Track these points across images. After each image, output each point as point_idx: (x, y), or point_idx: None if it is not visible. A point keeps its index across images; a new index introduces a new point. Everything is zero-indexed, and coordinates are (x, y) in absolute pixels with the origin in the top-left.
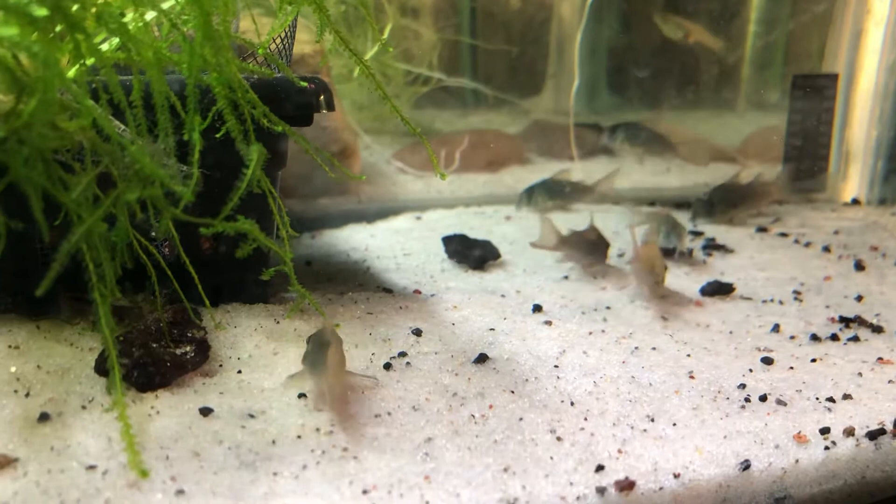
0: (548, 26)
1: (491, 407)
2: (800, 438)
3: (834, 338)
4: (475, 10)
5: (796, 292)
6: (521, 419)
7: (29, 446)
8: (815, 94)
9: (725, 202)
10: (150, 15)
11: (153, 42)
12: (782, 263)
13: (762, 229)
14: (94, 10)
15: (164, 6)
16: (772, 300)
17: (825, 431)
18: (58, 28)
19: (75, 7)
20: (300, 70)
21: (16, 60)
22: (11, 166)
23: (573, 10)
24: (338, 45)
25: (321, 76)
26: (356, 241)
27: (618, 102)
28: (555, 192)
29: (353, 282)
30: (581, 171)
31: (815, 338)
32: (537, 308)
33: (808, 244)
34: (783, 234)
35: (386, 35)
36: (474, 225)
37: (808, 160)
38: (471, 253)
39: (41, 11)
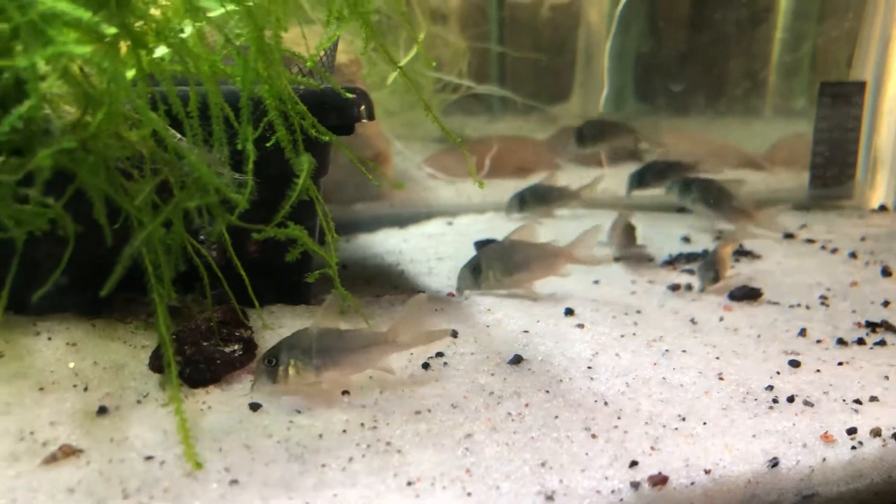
0: (575, 33)
1: (527, 405)
2: (827, 438)
3: (860, 342)
4: (503, 17)
5: (823, 297)
6: (556, 417)
7: (90, 437)
8: (842, 101)
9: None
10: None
11: (209, 56)
12: (809, 269)
13: (789, 235)
14: (154, 25)
15: (215, 17)
16: (799, 305)
17: (852, 432)
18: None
19: (138, 24)
20: (337, 79)
21: (82, 75)
22: (78, 174)
23: (601, 16)
24: (375, 56)
25: (354, 83)
26: (390, 245)
27: (645, 109)
28: (544, 198)
29: (388, 285)
30: (613, 176)
31: (841, 342)
32: (569, 311)
33: (834, 250)
34: (810, 241)
35: (419, 45)
36: (505, 230)
37: (835, 167)
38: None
39: (111, 30)
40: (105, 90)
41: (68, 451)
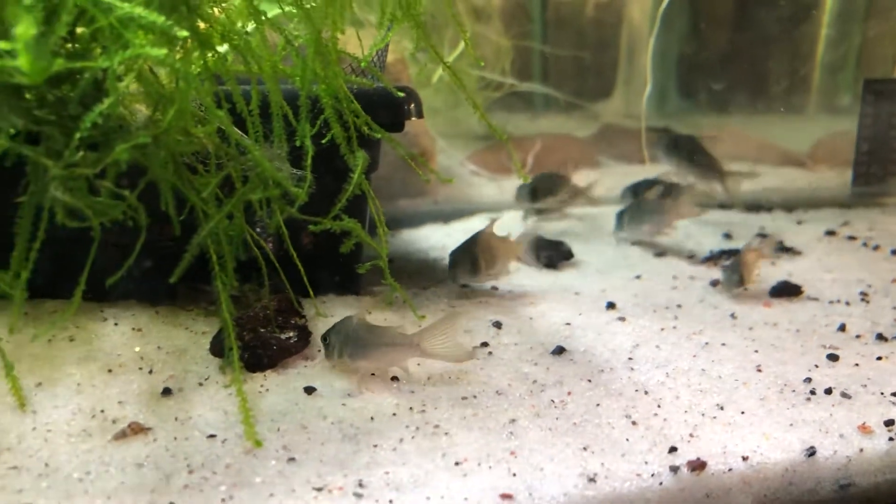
0: (618, 30)
1: (569, 393)
2: (864, 429)
3: None
4: (547, 16)
5: (863, 294)
6: (597, 405)
7: (156, 416)
8: (886, 98)
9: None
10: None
11: (270, 56)
12: (850, 266)
13: (830, 232)
14: (219, 28)
15: (274, 19)
16: (838, 301)
17: (889, 423)
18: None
19: (204, 27)
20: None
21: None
22: (150, 168)
23: (643, 14)
24: (419, 54)
25: (400, 81)
26: (434, 240)
27: (687, 106)
28: (553, 189)
29: (433, 278)
30: (651, 173)
31: (880, 337)
32: (611, 305)
33: (876, 247)
34: (851, 238)
35: (468, 45)
36: (547, 226)
37: (878, 164)
38: (545, 252)
39: (183, 33)
40: (175, 89)
41: (137, 429)
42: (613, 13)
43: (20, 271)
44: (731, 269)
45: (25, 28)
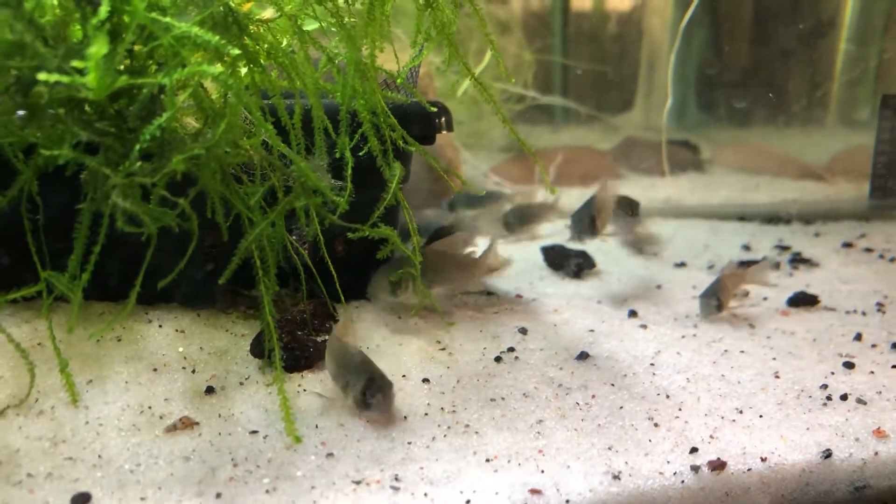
0: (639, 44)
1: (594, 396)
2: (879, 433)
3: None
4: (568, 29)
5: (879, 304)
6: (621, 408)
7: (200, 413)
8: None
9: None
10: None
11: (312, 73)
12: (866, 277)
13: (848, 244)
14: (266, 46)
15: (316, 35)
16: (855, 311)
17: None
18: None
19: (253, 45)
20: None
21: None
22: (201, 178)
23: (664, 29)
24: (444, 68)
25: (427, 95)
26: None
27: (707, 119)
28: (527, 217)
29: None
30: (672, 186)
31: None
32: (633, 313)
33: (892, 259)
34: (868, 250)
35: (500, 62)
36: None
37: (895, 178)
38: (568, 262)
39: (235, 51)
40: (226, 104)
41: (187, 423)
42: (634, 27)
43: (79, 274)
44: (710, 293)
45: (98, 48)
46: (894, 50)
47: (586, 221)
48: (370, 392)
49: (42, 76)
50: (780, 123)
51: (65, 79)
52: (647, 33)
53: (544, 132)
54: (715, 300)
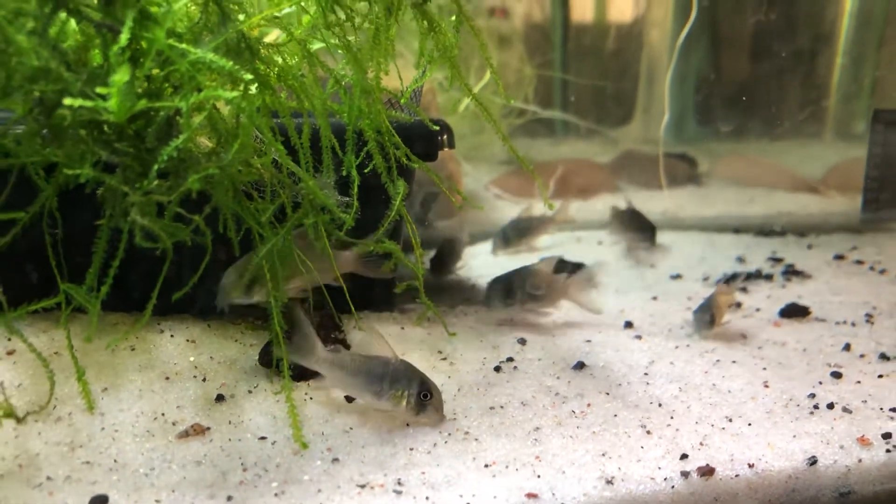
0: (638, 58)
1: (589, 405)
2: (863, 441)
3: None
4: (568, 44)
5: (868, 315)
6: (615, 416)
7: (211, 420)
8: (895, 127)
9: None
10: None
11: (321, 94)
12: (857, 289)
13: (839, 256)
14: (276, 69)
15: (322, 56)
16: (844, 322)
17: (887, 436)
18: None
19: (264, 69)
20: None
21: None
22: (215, 195)
23: (663, 43)
24: (446, 84)
25: (430, 111)
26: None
27: (705, 133)
28: (524, 230)
29: (460, 296)
30: (669, 198)
31: (883, 357)
32: (629, 324)
33: (882, 271)
34: (859, 262)
35: (499, 84)
36: (568, 248)
37: (887, 191)
38: (566, 273)
39: (248, 76)
40: (239, 125)
41: (198, 429)
42: (634, 42)
43: (97, 286)
44: (703, 310)
45: (121, 76)
46: (889, 65)
47: (707, 319)
48: (424, 396)
49: (67, 101)
50: (777, 137)
51: (88, 103)
52: (647, 47)
53: (545, 145)
54: (708, 316)
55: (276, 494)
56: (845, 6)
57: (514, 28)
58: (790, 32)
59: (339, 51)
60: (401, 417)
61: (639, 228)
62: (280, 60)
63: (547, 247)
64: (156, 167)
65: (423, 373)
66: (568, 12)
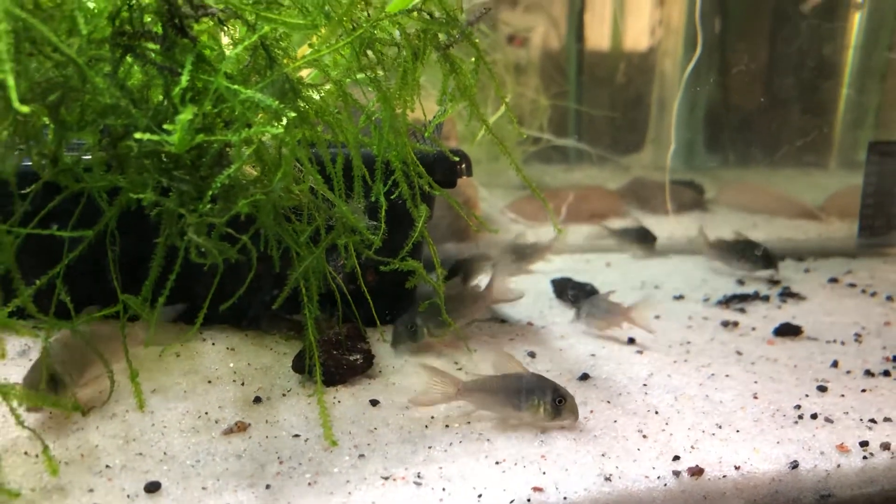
0: (649, 89)
1: (591, 412)
2: (842, 448)
3: (886, 373)
4: (582, 75)
5: (857, 335)
6: (615, 421)
7: (250, 419)
8: (889, 158)
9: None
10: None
11: (353, 128)
12: (848, 310)
13: (833, 279)
14: (314, 106)
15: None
16: (834, 341)
17: (864, 444)
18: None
19: (304, 106)
20: (435, 135)
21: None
22: (259, 218)
23: (673, 74)
24: (465, 113)
25: (450, 139)
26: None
27: (713, 161)
28: (520, 256)
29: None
30: (675, 223)
31: (868, 373)
32: (631, 340)
33: (873, 294)
34: (852, 285)
35: (513, 120)
36: (579, 269)
37: (882, 218)
38: (576, 293)
39: (291, 114)
40: (281, 156)
41: (242, 426)
42: (645, 73)
43: (153, 298)
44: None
45: (186, 114)
46: (892, 95)
47: (594, 313)
48: (558, 401)
49: (137, 135)
50: (782, 165)
51: (155, 137)
52: (659, 77)
53: (558, 171)
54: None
55: (309, 484)
56: (850, 38)
57: (531, 58)
58: (798, 64)
59: (370, 88)
60: (538, 424)
61: (753, 259)
62: (317, 98)
63: (539, 271)
64: (209, 192)
65: (553, 381)
66: (583, 43)
